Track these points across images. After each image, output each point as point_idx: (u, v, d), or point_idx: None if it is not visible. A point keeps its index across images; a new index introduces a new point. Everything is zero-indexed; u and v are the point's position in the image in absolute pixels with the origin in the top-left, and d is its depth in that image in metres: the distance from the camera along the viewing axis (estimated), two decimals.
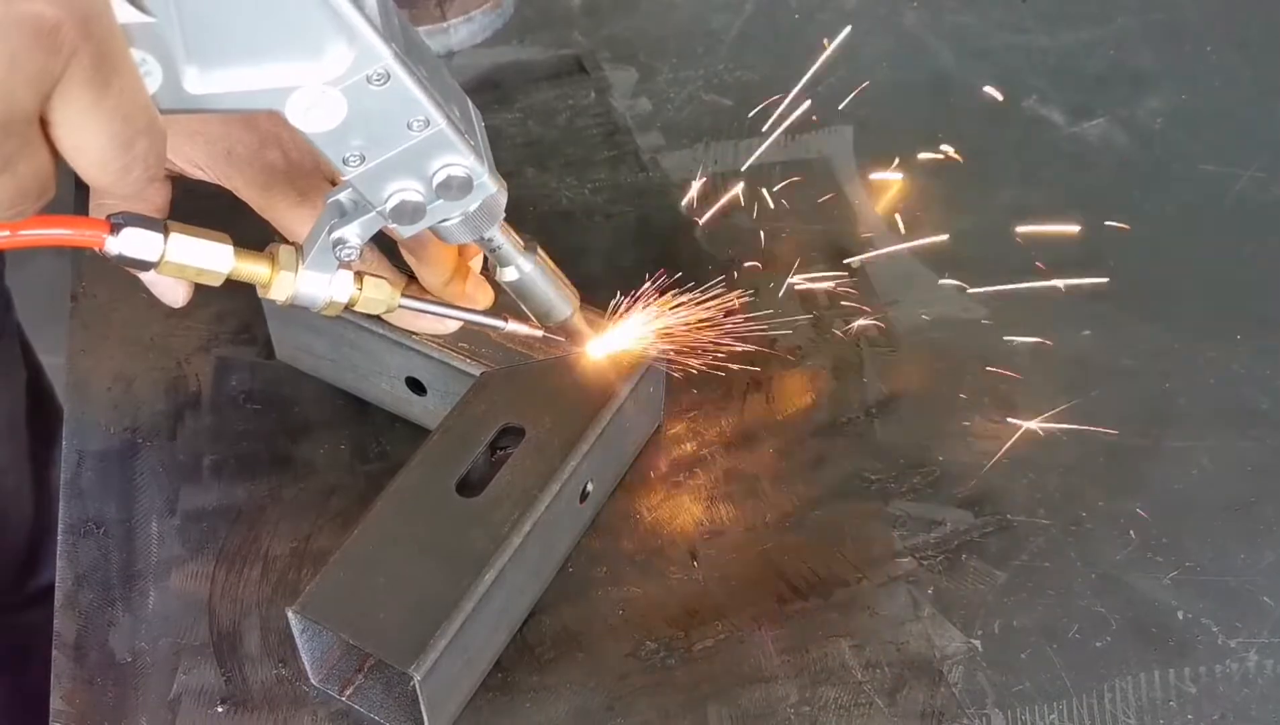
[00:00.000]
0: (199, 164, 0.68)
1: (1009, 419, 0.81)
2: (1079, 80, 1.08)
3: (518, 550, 0.66)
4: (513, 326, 0.68)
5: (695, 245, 0.93)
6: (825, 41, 1.01)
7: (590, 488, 0.73)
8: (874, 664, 0.69)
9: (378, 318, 0.71)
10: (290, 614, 0.63)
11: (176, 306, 0.70)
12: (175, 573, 0.74)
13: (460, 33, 1.09)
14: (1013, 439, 0.80)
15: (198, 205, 0.73)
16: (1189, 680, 0.69)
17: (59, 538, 0.75)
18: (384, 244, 0.66)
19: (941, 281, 0.90)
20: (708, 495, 0.77)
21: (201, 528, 0.76)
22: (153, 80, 0.48)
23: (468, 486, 0.69)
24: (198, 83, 0.49)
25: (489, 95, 1.06)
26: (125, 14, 0.46)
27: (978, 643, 0.70)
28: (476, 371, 0.73)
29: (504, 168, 0.98)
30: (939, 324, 0.88)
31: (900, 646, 0.70)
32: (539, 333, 0.69)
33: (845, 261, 0.91)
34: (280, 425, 0.81)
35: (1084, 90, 1.07)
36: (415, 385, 0.78)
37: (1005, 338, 0.86)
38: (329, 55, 0.50)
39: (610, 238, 0.94)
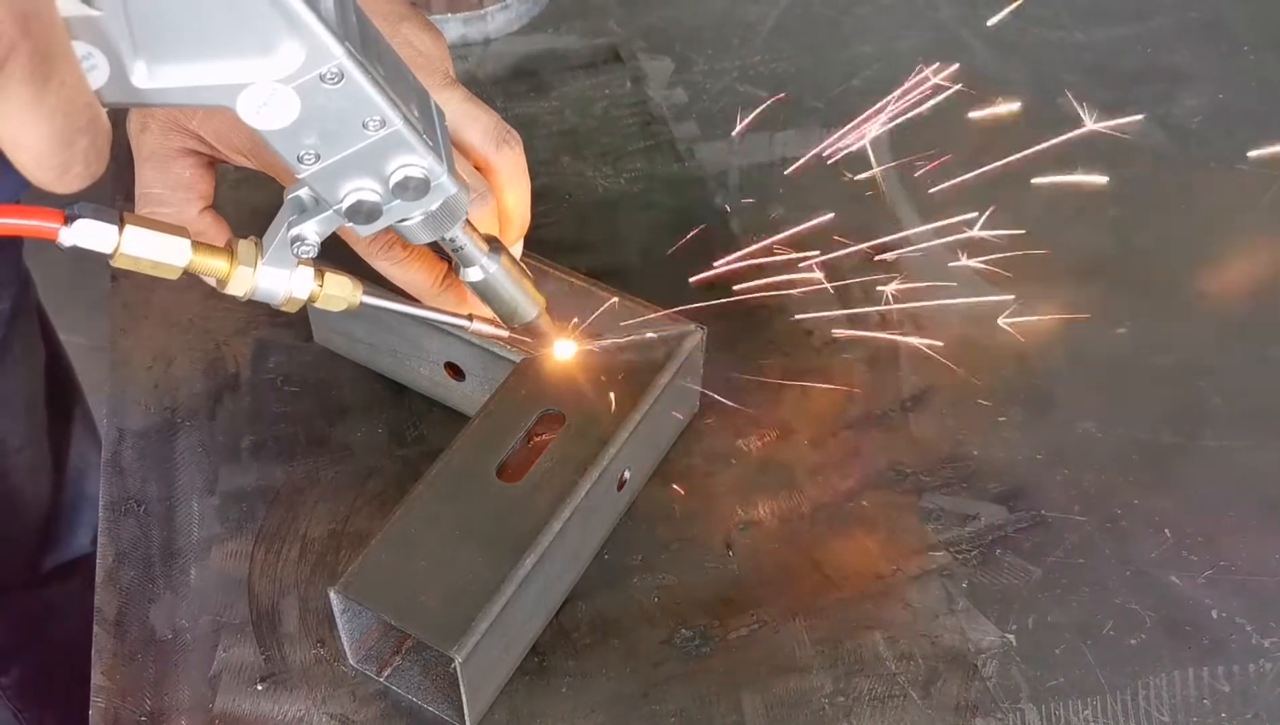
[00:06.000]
0: (243, 152, 0.68)
1: (1044, 414, 0.81)
2: (1115, 77, 1.08)
3: (557, 536, 0.66)
4: (478, 326, 0.68)
5: (730, 236, 0.93)
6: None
7: (627, 475, 0.73)
8: (908, 656, 0.70)
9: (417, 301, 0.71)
10: (332, 594, 0.63)
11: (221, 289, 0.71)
12: (215, 551, 0.74)
13: (497, 20, 1.09)
14: (1047, 435, 0.80)
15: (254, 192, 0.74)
16: (1223, 679, 0.69)
17: (100, 514, 0.76)
18: None
19: (978, 276, 0.90)
20: (743, 485, 0.78)
21: (240, 507, 0.76)
22: (99, 74, 0.47)
23: (507, 471, 0.69)
24: (145, 77, 0.48)
25: (525, 83, 1.06)
26: (69, 7, 0.45)
27: (1012, 637, 0.71)
28: (517, 357, 0.74)
29: (540, 156, 1.00)
30: (974, 318, 0.88)
31: (934, 639, 0.71)
32: (505, 333, 0.69)
33: (881, 255, 0.92)
34: (318, 408, 0.82)
35: (1120, 87, 1.07)
36: (454, 370, 0.78)
37: (1040, 333, 0.86)
38: (280, 52, 0.49)
39: (646, 227, 0.94)
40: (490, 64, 1.08)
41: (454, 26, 1.08)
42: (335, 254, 0.66)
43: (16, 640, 1.28)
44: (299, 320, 0.85)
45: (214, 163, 0.70)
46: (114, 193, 0.94)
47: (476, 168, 0.68)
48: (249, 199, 0.94)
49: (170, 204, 0.68)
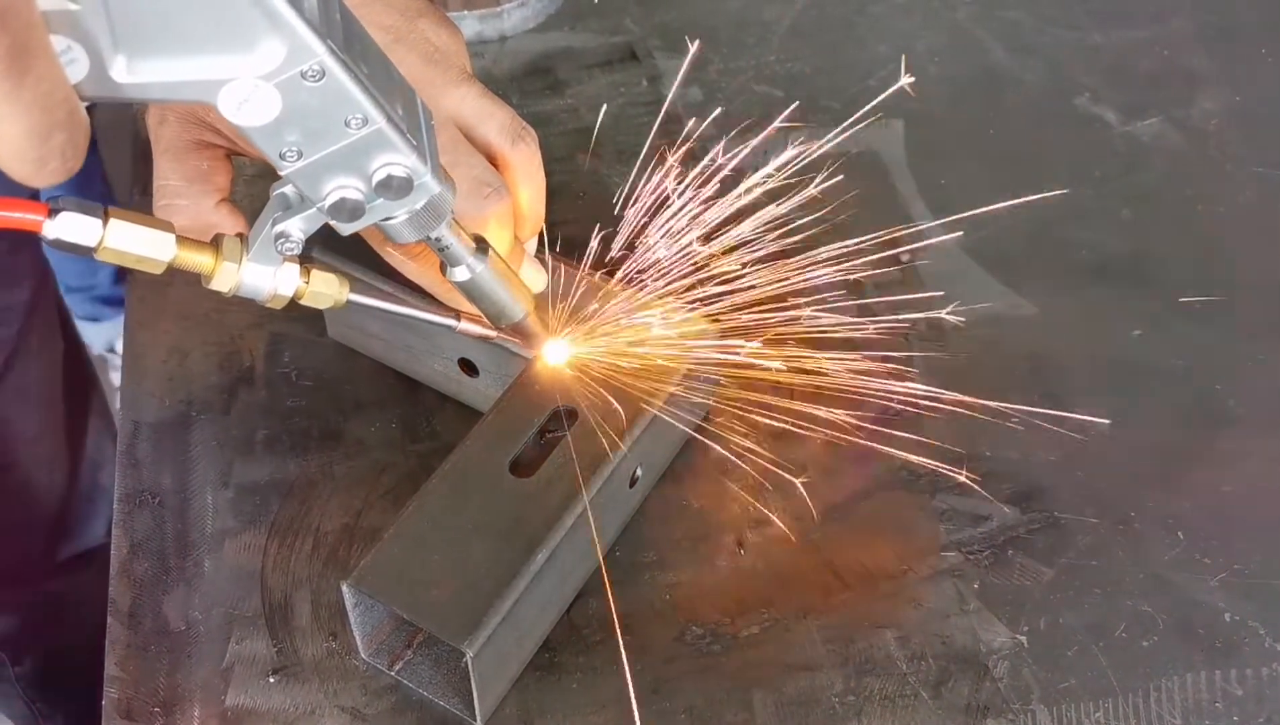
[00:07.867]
0: None
1: (1057, 416, 0.81)
2: (1132, 79, 1.08)
3: (569, 532, 0.66)
4: (465, 326, 0.68)
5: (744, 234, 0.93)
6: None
7: (639, 473, 0.74)
8: (919, 656, 0.70)
9: (433, 298, 0.72)
10: (344, 587, 0.64)
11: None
12: (228, 544, 0.75)
13: (513, 17, 1.10)
14: (1061, 436, 0.80)
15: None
16: (1235, 682, 0.69)
17: (114, 506, 0.77)
18: None
19: (991, 277, 0.90)
20: (755, 484, 0.78)
21: (254, 501, 0.77)
22: (78, 68, 0.47)
23: (520, 467, 0.69)
24: (125, 72, 0.48)
25: (541, 81, 1.06)
26: (49, 1, 0.44)
27: (1024, 638, 0.70)
28: (530, 354, 0.74)
29: (555, 153, 1.00)
30: (988, 320, 0.88)
31: (945, 640, 0.70)
32: (493, 334, 0.69)
33: (895, 255, 0.91)
34: (332, 402, 0.82)
35: (1137, 89, 1.06)
36: (468, 366, 0.78)
37: (1055, 335, 0.86)
38: (261, 49, 0.48)
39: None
40: (506, 61, 1.08)
41: (470, 24, 1.08)
42: (344, 243, 0.67)
43: (31, 630, 1.29)
44: (314, 315, 0.85)
45: (231, 155, 0.71)
46: (131, 186, 0.95)
47: (492, 164, 0.68)
48: (265, 193, 0.94)
49: (187, 196, 0.68)
